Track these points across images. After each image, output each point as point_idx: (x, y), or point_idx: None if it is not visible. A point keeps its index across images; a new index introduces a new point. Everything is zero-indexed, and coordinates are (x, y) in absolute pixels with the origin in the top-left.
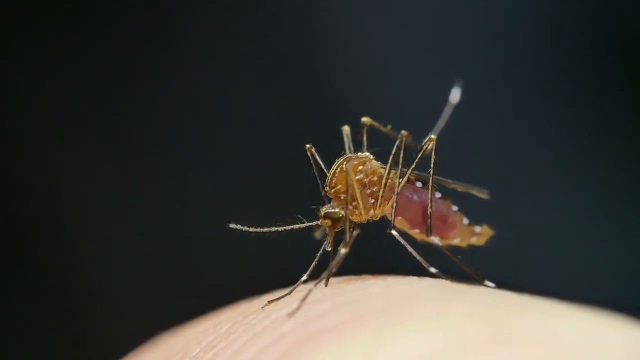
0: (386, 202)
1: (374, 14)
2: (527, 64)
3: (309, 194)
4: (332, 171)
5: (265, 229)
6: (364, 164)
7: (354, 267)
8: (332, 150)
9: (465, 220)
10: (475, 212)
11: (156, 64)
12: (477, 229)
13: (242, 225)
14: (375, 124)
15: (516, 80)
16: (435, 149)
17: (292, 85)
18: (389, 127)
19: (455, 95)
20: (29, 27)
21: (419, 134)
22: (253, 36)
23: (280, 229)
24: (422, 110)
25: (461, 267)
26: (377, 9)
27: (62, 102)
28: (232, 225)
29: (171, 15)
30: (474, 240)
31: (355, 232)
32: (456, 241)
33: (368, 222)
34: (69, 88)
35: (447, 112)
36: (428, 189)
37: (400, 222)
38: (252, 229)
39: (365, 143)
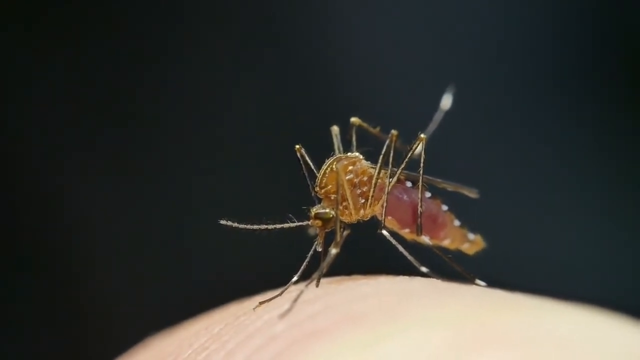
0: (376, 202)
1: (367, 14)
2: (524, 62)
3: (299, 194)
4: (322, 171)
5: (256, 226)
6: (354, 164)
7: (345, 267)
8: (322, 151)
9: (457, 222)
10: (471, 212)
11: (155, 64)
12: (471, 236)
13: (233, 222)
14: (364, 124)
15: (513, 78)
16: (425, 149)
17: (282, 86)
18: (377, 128)
19: (446, 102)
20: (30, 27)
21: (409, 135)
22: (244, 36)
23: (270, 227)
24: (412, 111)
25: (452, 266)
26: (371, 9)
27: (62, 102)
28: (222, 222)
29: (170, 16)
30: (465, 247)
31: (345, 233)
32: (446, 242)
33: (358, 222)
34: (69, 88)
35: (437, 117)
36: (418, 188)
37: (390, 222)
38: (242, 226)
39: (354, 143)
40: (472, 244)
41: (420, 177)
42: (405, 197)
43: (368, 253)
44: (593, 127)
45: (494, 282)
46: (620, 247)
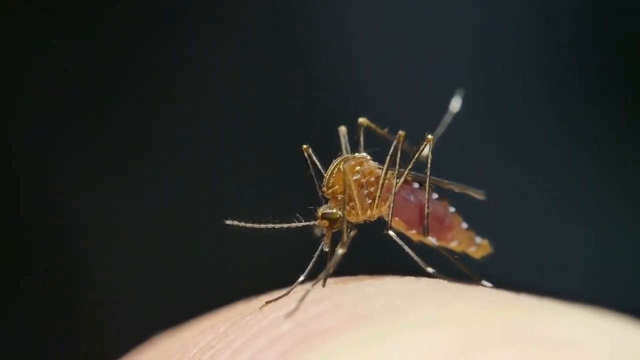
0: (383, 203)
1: (373, 14)
2: (526, 64)
3: (306, 194)
4: (329, 171)
5: (262, 225)
6: (361, 164)
7: (351, 267)
8: (329, 151)
9: (464, 225)
10: (477, 213)
11: (156, 64)
12: (478, 239)
13: (239, 221)
14: (372, 125)
15: (515, 80)
16: (432, 150)
17: (290, 86)
18: (385, 129)
19: (455, 104)
20: (30, 27)
21: (417, 136)
22: (251, 36)
23: (277, 226)
24: (420, 112)
25: (458, 267)
26: (376, 9)
27: (62, 103)
28: (228, 222)
29: (172, 16)
30: (471, 250)
31: (352, 233)
32: (453, 244)
33: (365, 222)
34: (70, 89)
35: (446, 120)
36: (425, 189)
37: (397, 222)
38: (249, 225)
39: (362, 143)
40: (479, 247)
41: (428, 178)
42: (412, 198)
43: (374, 253)
44: (594, 128)
45: (500, 283)
46: (620, 247)
